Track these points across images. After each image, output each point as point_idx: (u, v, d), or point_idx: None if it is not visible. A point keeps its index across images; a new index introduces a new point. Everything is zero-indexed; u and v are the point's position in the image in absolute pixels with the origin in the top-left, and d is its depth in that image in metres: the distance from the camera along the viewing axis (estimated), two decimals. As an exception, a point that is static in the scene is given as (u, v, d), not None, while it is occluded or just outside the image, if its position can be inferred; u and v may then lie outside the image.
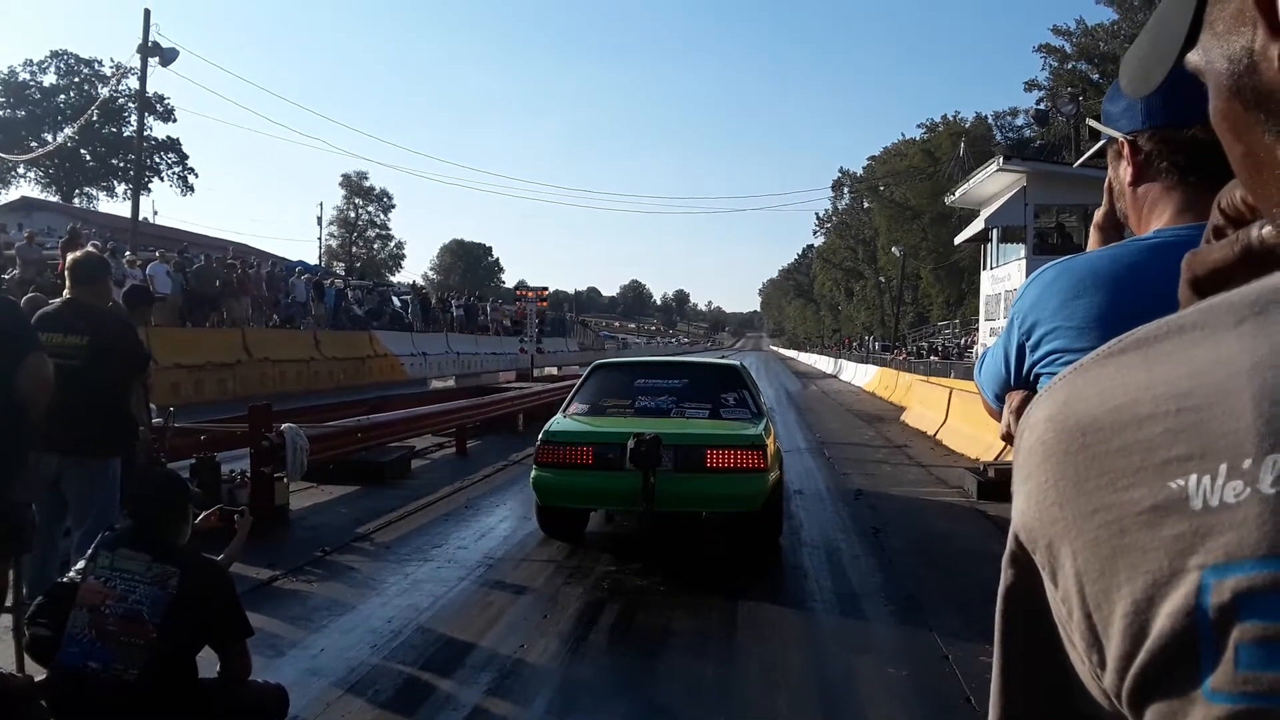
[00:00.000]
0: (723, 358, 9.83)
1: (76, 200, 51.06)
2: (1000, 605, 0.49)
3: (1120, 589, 0.40)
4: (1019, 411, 1.48)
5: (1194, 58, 0.50)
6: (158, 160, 53.85)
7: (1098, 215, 1.55)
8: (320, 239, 69.91)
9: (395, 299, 34.24)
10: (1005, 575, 0.48)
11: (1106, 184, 1.48)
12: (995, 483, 8.37)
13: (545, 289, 29.64)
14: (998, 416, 1.59)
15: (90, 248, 4.09)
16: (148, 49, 25.16)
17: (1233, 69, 0.47)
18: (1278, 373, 0.38)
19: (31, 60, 51.96)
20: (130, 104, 48.35)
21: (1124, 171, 1.38)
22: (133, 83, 31.39)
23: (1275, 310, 0.40)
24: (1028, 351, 1.42)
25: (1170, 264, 1.26)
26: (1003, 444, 9.55)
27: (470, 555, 6.20)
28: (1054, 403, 0.45)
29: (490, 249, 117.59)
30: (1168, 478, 0.39)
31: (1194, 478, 0.38)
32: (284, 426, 7.01)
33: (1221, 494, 0.37)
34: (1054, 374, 1.37)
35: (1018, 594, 0.47)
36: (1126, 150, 1.36)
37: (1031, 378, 1.43)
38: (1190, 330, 0.42)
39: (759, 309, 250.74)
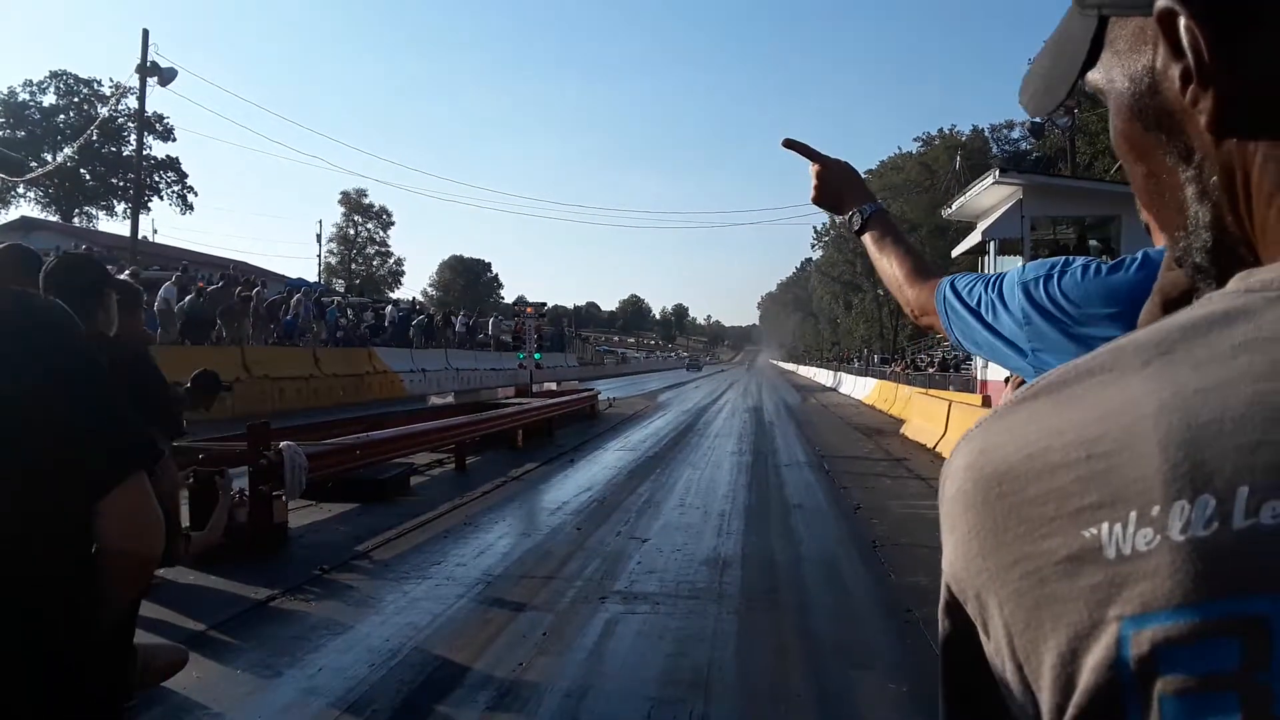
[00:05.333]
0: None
1: (76, 220, 51.17)
2: (941, 655, 0.47)
3: (1046, 641, 0.39)
4: None
5: (1095, 76, 0.50)
6: (157, 179, 53.98)
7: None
8: (320, 256, 70.17)
9: (391, 310, 34.22)
10: (942, 625, 0.47)
11: None
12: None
13: (544, 304, 29.65)
14: None
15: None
16: (146, 69, 25.29)
17: (1134, 89, 0.48)
18: (1183, 416, 0.37)
19: (31, 81, 52.43)
20: (129, 123, 48.55)
21: None
22: (132, 102, 31.52)
23: (1180, 350, 0.40)
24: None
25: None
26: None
27: (469, 573, 6.18)
28: (972, 451, 0.44)
29: (489, 265, 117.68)
30: (1081, 526, 0.38)
31: (1106, 526, 0.37)
32: (282, 444, 7.00)
33: (1133, 542, 0.37)
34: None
35: (956, 643, 0.46)
36: None
37: None
38: (1100, 373, 0.42)
39: (758, 322, 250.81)
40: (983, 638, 0.43)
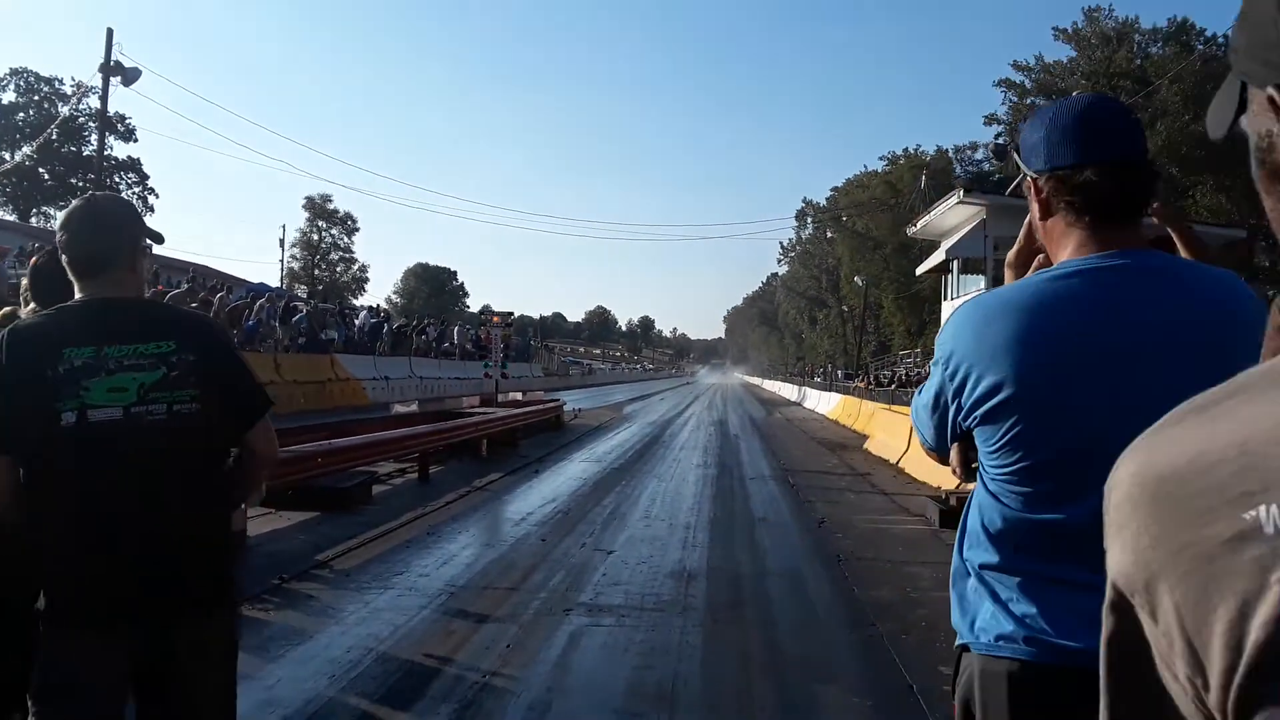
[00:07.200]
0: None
1: (34, 220, 50.19)
2: (1104, 652, 0.56)
3: (1215, 611, 0.47)
4: (961, 458, 1.59)
5: (1244, 122, 0.61)
6: (118, 180, 53.12)
7: (1010, 253, 1.67)
8: (282, 261, 69.17)
9: (365, 315, 33.91)
10: (1106, 624, 0.55)
11: (1027, 221, 1.59)
12: (957, 511, 8.42)
13: (510, 314, 29.51)
14: (933, 455, 1.66)
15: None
16: (109, 68, 24.88)
17: (1258, 144, 0.60)
18: None
19: (-10, 77, 51.20)
20: (91, 123, 47.80)
21: (1034, 208, 1.50)
22: (93, 102, 31.01)
23: None
24: (948, 381, 1.49)
25: (1072, 291, 1.37)
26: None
27: (432, 583, 6.11)
28: (1136, 461, 0.54)
29: (455, 273, 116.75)
30: (1240, 510, 0.47)
31: (1263, 508, 0.46)
32: (243, 451, 6.88)
33: None
34: (975, 401, 1.46)
35: (1119, 639, 0.54)
36: (1032, 189, 1.48)
37: (963, 415, 1.48)
38: (1239, 393, 0.52)
39: (724, 336, 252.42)
40: (1149, 625, 0.52)
